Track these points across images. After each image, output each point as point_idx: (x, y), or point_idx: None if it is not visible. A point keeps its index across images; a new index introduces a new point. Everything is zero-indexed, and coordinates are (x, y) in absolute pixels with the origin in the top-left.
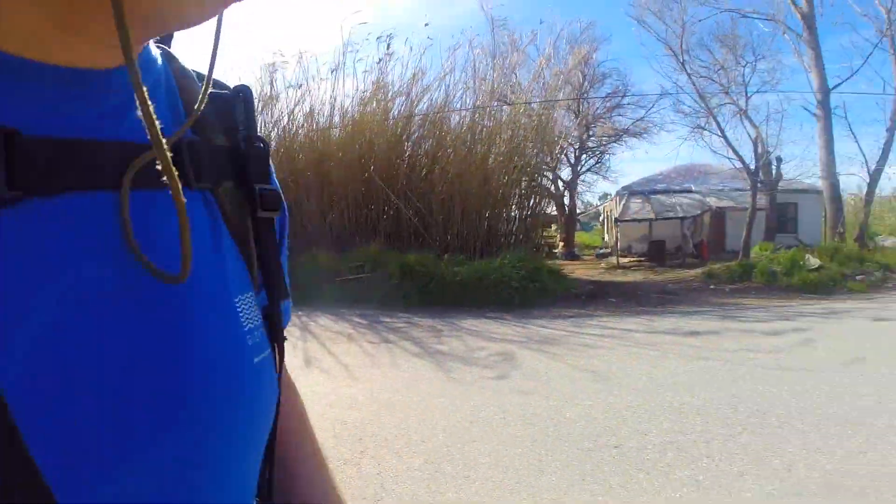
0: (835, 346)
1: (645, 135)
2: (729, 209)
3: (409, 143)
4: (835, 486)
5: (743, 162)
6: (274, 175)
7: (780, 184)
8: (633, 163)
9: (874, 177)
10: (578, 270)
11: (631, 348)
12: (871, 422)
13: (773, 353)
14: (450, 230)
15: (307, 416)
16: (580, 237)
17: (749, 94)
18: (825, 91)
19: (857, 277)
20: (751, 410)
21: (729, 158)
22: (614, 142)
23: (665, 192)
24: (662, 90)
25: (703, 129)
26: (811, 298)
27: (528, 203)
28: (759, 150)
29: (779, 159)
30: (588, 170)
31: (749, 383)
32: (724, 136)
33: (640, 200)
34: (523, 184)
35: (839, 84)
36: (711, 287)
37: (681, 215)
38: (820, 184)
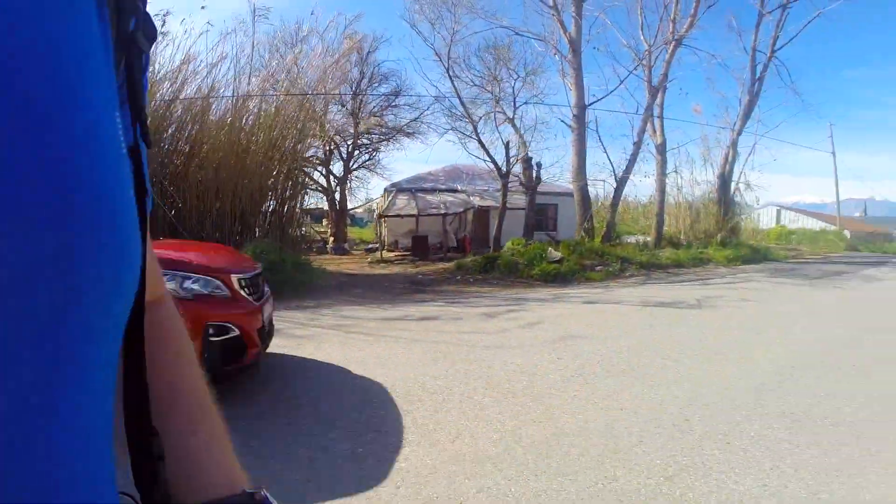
0: (546, 326)
1: (418, 135)
2: (492, 208)
3: (170, 130)
4: (494, 456)
5: (495, 164)
6: None
7: (540, 187)
8: (408, 162)
9: (620, 183)
10: (343, 264)
11: (352, 335)
12: (552, 394)
13: (489, 335)
14: (206, 221)
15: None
16: (355, 233)
17: (518, 105)
18: (582, 107)
19: (597, 268)
20: (438, 387)
21: (483, 160)
22: (387, 140)
23: (432, 190)
24: (439, 94)
25: (460, 131)
26: (548, 287)
27: (286, 195)
28: (519, 154)
29: (538, 164)
30: (359, 166)
31: (449, 363)
32: (480, 141)
33: (406, 197)
34: (281, 176)
35: (595, 102)
36: (458, 278)
37: (443, 212)
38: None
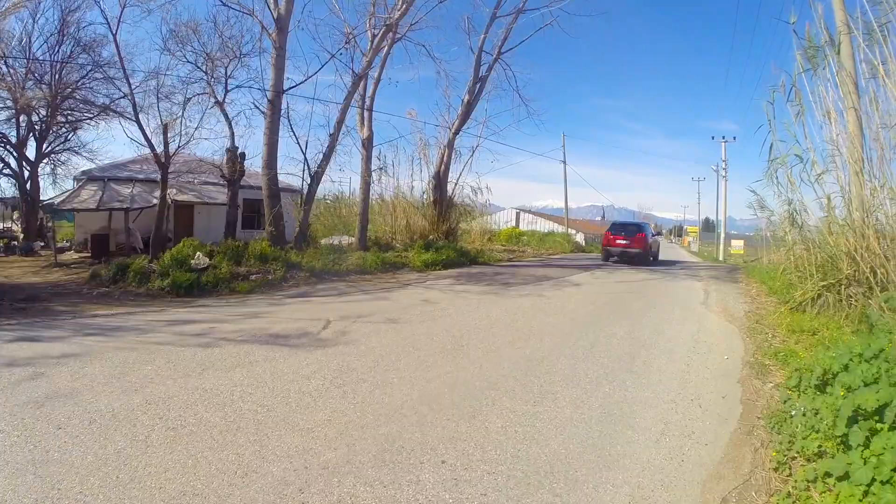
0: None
1: (129, 115)
2: (197, 203)
3: None
4: None
5: (153, 150)
6: None
7: (256, 180)
8: (133, 146)
9: (314, 179)
10: (6, 270)
11: None
12: None
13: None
14: None
15: None
16: (69, 229)
17: (230, 88)
18: (279, 91)
19: (253, 276)
20: None
21: (141, 145)
22: (92, 119)
23: (128, 180)
24: (158, 70)
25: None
26: (172, 303)
27: None
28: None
29: (242, 155)
30: (52, 150)
31: None
32: (139, 123)
33: (94, 187)
34: None
35: (293, 87)
36: (84, 291)
37: (125, 206)
38: (295, 184)
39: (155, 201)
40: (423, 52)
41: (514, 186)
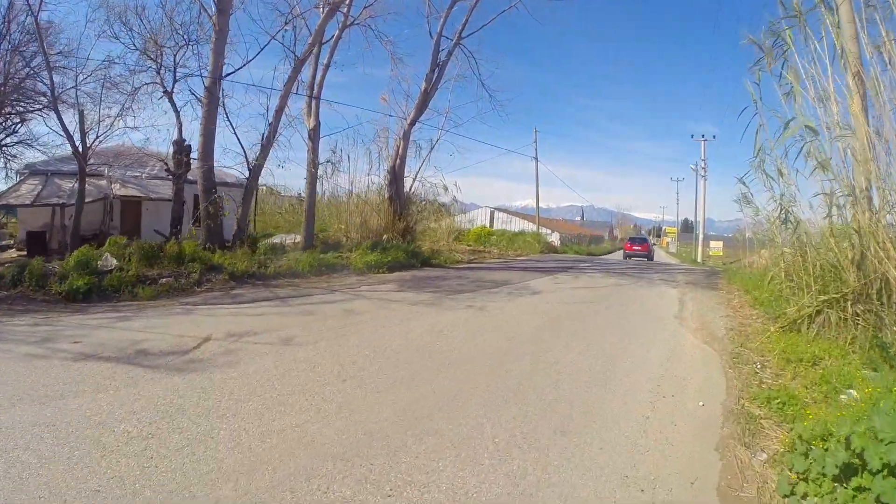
0: None
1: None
2: (145, 198)
3: None
4: None
5: (71, 142)
6: None
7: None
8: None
9: (253, 172)
10: None
11: None
12: None
13: None
14: None
15: None
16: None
17: (178, 78)
18: (217, 77)
19: (162, 280)
20: None
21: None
22: (41, 109)
23: (72, 174)
24: (109, 58)
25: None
26: (69, 309)
27: None
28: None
29: (188, 148)
30: (3, 144)
31: None
32: (57, 112)
33: (37, 181)
34: None
35: (231, 73)
36: None
37: (60, 202)
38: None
39: (96, 195)
40: (383, 39)
41: (494, 185)
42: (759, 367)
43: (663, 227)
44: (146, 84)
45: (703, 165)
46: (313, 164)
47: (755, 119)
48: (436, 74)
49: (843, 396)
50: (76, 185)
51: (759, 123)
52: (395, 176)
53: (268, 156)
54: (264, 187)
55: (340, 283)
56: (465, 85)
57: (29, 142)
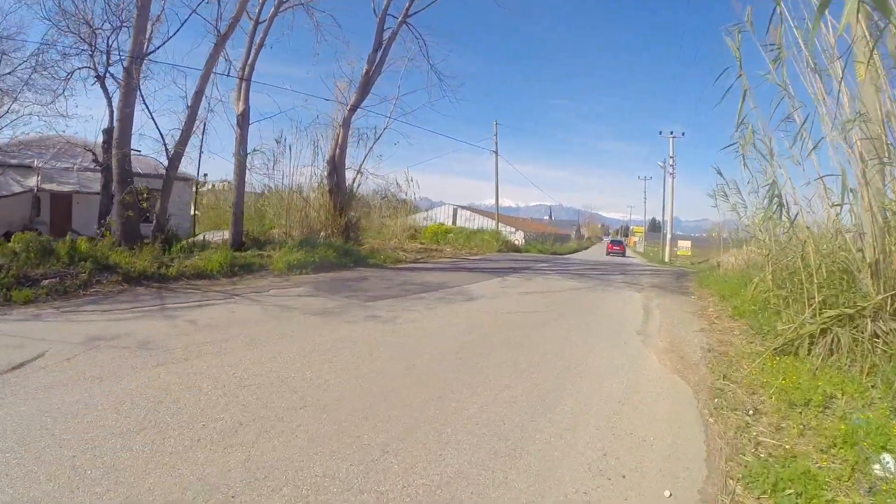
0: None
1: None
2: (78, 193)
3: None
4: None
5: None
6: None
7: (144, 167)
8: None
9: (172, 160)
10: None
11: None
12: None
13: None
14: None
15: None
16: None
17: (112, 61)
18: (136, 56)
19: (45, 282)
20: None
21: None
22: None
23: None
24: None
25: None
26: None
27: None
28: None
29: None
30: None
31: None
32: None
33: None
34: None
35: (153, 51)
36: None
37: None
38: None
39: (17, 189)
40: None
41: (464, 184)
42: (750, 413)
43: (630, 227)
44: (79, 69)
45: (671, 162)
46: (241, 153)
47: (739, 83)
48: (379, 56)
49: (876, 467)
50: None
51: (743, 88)
52: (335, 167)
53: (187, 143)
54: (213, 181)
55: (248, 287)
56: (417, 72)
57: None
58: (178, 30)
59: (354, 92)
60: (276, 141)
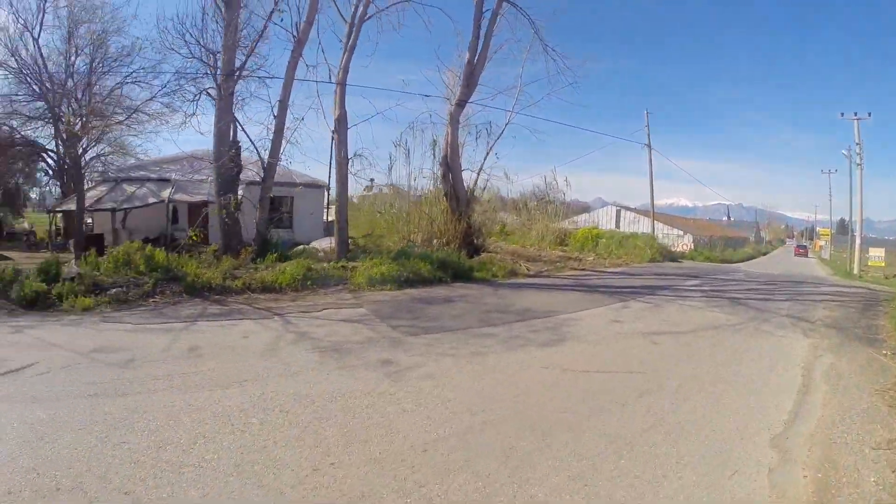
0: None
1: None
2: (211, 202)
3: None
4: None
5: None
6: None
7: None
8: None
9: (267, 171)
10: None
11: None
12: None
13: None
14: None
15: None
16: None
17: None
18: (230, 72)
19: (112, 290)
20: None
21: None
22: (127, 121)
23: (143, 179)
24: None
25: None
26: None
27: None
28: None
29: (239, 147)
30: (99, 155)
31: None
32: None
33: (105, 188)
34: None
35: (240, 67)
36: None
37: (113, 206)
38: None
39: (153, 200)
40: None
41: (639, 183)
42: None
43: (816, 229)
44: (205, 90)
45: (857, 151)
46: (341, 157)
47: None
48: (481, 43)
49: None
50: (136, 190)
51: None
52: (449, 168)
53: (278, 154)
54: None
55: (302, 305)
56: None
57: (126, 150)
58: (256, 41)
59: (459, 86)
60: (395, 144)
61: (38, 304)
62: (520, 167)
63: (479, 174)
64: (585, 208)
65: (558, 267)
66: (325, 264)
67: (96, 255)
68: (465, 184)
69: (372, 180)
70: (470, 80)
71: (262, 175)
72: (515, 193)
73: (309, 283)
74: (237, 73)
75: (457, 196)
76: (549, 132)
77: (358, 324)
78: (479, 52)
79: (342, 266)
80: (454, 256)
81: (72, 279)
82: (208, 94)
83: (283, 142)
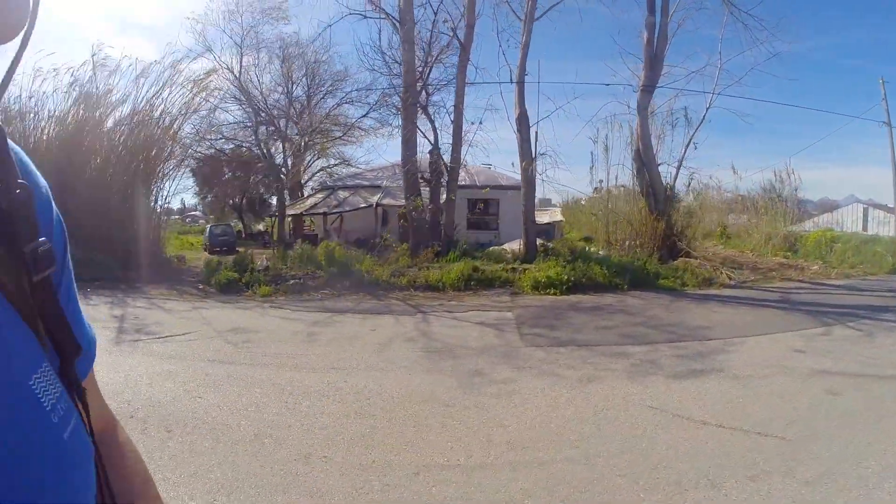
0: None
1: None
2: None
3: None
4: None
5: None
6: (41, 210)
7: (480, 178)
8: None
9: (451, 174)
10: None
11: None
12: None
13: None
14: None
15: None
16: None
17: (431, 91)
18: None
19: (291, 282)
20: None
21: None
22: (339, 138)
23: (354, 188)
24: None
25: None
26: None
27: None
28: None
29: (438, 152)
30: (306, 167)
31: None
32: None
33: (323, 195)
34: None
35: (420, 79)
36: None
37: (322, 211)
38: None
39: (362, 205)
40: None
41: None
42: None
43: None
44: (413, 104)
45: None
46: (525, 156)
47: None
48: (658, 19)
49: None
50: (347, 196)
51: None
52: (643, 163)
53: (459, 159)
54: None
55: (456, 306)
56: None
57: (349, 162)
58: (437, 56)
59: (641, 70)
60: (592, 140)
61: (230, 289)
62: (745, 162)
63: (678, 168)
64: (834, 206)
65: (769, 277)
66: (497, 265)
67: (283, 251)
68: (663, 179)
69: (601, 181)
70: (653, 63)
71: (445, 179)
72: (743, 190)
73: (473, 283)
74: (419, 84)
75: (654, 193)
76: (761, 117)
77: (490, 328)
78: (657, 28)
79: (512, 268)
80: (639, 261)
81: (260, 271)
82: (395, 107)
83: (465, 145)
